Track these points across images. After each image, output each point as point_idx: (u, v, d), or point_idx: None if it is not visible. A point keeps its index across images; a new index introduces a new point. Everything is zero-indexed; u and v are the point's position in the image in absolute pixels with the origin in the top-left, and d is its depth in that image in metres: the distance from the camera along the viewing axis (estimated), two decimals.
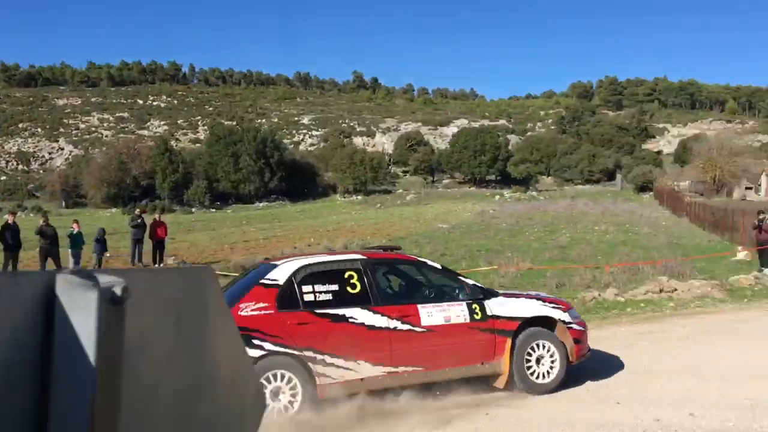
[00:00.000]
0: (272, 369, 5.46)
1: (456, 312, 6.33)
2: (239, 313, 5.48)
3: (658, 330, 9.36)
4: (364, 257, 6.54)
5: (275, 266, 6.17)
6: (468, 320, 6.32)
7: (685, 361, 7.34)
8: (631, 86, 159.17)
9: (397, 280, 7.08)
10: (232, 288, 6.32)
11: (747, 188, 63.83)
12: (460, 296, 6.49)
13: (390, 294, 6.69)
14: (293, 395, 5.52)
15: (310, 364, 5.58)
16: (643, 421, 5.25)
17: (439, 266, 6.94)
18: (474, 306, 6.40)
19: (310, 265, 6.17)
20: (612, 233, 25.55)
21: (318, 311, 5.84)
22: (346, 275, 6.14)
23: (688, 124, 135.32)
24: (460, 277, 6.90)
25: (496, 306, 6.48)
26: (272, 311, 5.68)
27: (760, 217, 17.53)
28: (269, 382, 5.41)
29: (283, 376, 5.51)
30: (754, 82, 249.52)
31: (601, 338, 8.21)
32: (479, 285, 6.98)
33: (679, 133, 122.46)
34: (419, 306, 6.26)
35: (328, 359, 5.65)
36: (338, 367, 5.71)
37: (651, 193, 61.53)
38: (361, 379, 5.82)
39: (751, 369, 6.72)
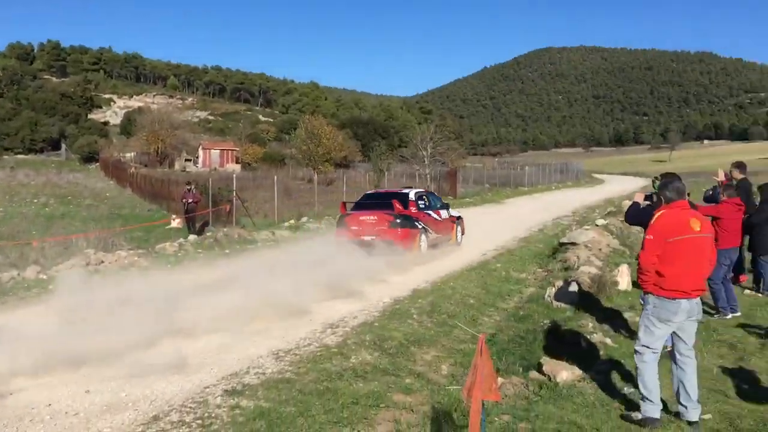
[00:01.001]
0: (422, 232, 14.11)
1: (445, 214, 15.71)
2: (409, 210, 14.08)
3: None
4: (425, 190, 17.46)
5: (404, 192, 15.27)
6: (447, 217, 15.79)
7: None
8: (75, 53, 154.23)
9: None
10: (370, 198, 15.63)
11: (187, 160, 69.67)
12: (446, 208, 16.08)
13: (432, 205, 15.49)
14: (423, 241, 14.05)
15: (427, 232, 14.31)
16: None
17: (437, 195, 18.15)
18: (448, 212, 15.98)
19: (417, 192, 15.54)
20: (52, 206, 25.17)
21: (427, 212, 14.78)
22: (424, 197, 15.47)
23: (133, 96, 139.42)
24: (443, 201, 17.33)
25: (452, 212, 16.35)
26: (424, 211, 14.71)
27: (187, 187, 20.37)
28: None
29: (422, 236, 14.04)
30: (192, 61, 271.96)
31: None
32: (447, 203, 17.07)
33: (125, 105, 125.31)
34: (440, 210, 15.60)
35: (430, 230, 14.47)
36: (430, 233, 14.45)
37: (97, 164, 61.75)
38: (440, 232, 15.07)
39: None
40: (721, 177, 9.12)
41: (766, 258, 9.07)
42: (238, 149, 69.81)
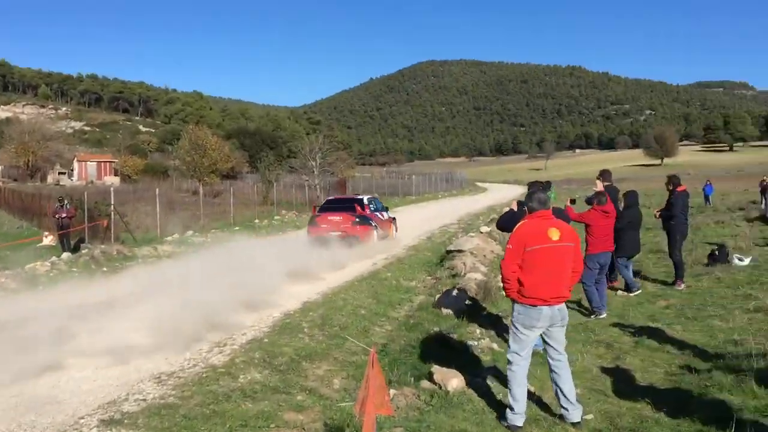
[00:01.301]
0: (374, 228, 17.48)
1: (386, 215, 19.30)
2: (365, 211, 17.56)
3: None
4: (372, 197, 20.52)
5: (360, 198, 18.69)
6: (387, 218, 19.38)
7: None
8: None
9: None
10: (333, 203, 19.15)
11: (61, 173, 65.70)
12: (386, 210, 19.86)
13: (378, 208, 18.99)
14: (375, 235, 17.31)
15: (377, 228, 17.57)
16: None
17: (378, 199, 21.16)
18: (387, 213, 19.65)
19: (369, 197, 19.22)
20: None
21: (376, 213, 18.42)
22: (373, 201, 19.08)
23: (0, 106, 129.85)
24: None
25: (390, 214, 20.22)
26: (373, 212, 18.28)
27: (58, 204, 19.14)
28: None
29: (374, 231, 17.34)
30: (66, 69, 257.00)
31: None
32: (386, 207, 20.93)
33: None
34: (382, 212, 19.16)
35: (379, 227, 17.76)
36: (379, 229, 17.73)
37: None
38: (384, 230, 18.44)
39: None
40: (600, 187, 9.64)
41: (622, 260, 9.74)
42: (116, 161, 66.66)
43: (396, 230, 19.99)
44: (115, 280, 13.09)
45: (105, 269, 14.69)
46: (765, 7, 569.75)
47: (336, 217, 17.26)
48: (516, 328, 4.92)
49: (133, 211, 26.47)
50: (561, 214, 7.19)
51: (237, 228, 24.41)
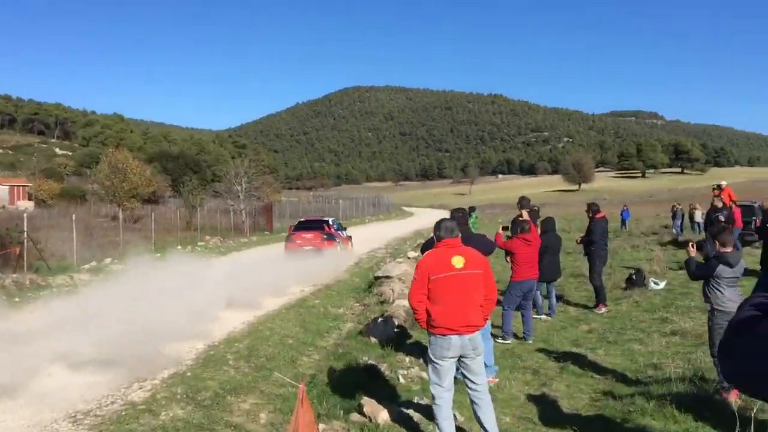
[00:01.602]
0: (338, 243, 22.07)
1: (345, 234, 24.09)
2: (330, 230, 22.28)
3: None
4: (334, 219, 26.79)
5: (325, 220, 24.37)
6: (346, 236, 24.10)
7: None
8: None
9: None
10: (305, 224, 23.64)
11: None
12: (344, 229, 25.03)
13: (339, 228, 23.81)
14: (338, 248, 21.80)
15: (340, 243, 22.26)
16: None
17: (338, 221, 27.30)
18: (345, 232, 24.60)
19: (332, 219, 25.36)
20: None
21: (338, 231, 23.04)
22: (335, 223, 24.17)
23: None
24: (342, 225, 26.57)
25: (348, 232, 25.18)
26: (335, 231, 22.87)
27: None
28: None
29: (338, 246, 21.85)
30: None
31: None
32: (345, 227, 26.56)
33: None
34: (342, 231, 24.08)
35: (340, 243, 22.38)
36: (341, 244, 22.42)
37: None
38: (344, 245, 23.03)
39: None
40: (525, 216, 9.85)
41: (541, 284, 9.98)
42: (30, 185, 63.53)
43: (352, 245, 24.39)
44: (28, 311, 12.36)
45: (17, 299, 13.85)
46: (673, 43, 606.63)
47: (308, 235, 21.65)
48: (431, 358, 4.87)
49: (48, 238, 25.17)
50: (486, 241, 7.29)
51: (158, 255, 23.61)
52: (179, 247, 26.42)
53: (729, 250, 5.78)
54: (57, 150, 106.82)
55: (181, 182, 47.61)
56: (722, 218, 14.28)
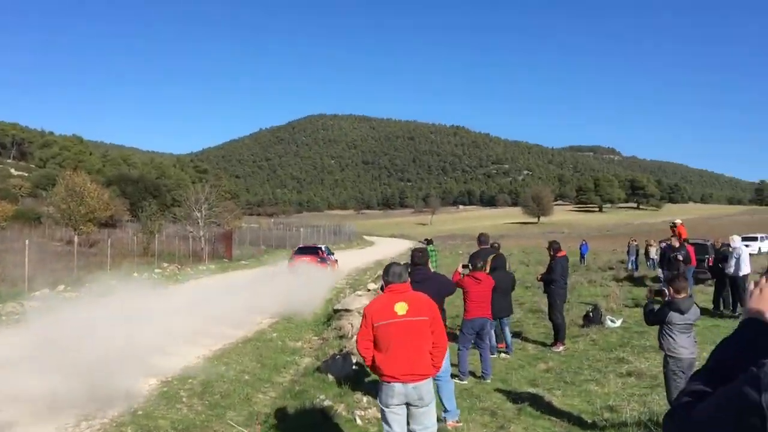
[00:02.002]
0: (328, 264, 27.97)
1: (333, 258, 30.13)
2: (323, 255, 28.38)
3: None
4: (325, 246, 33.18)
5: (319, 246, 30.74)
6: (334, 259, 30.09)
7: None
8: None
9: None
10: (303, 249, 29.83)
11: None
12: (332, 253, 31.59)
13: (329, 252, 30.50)
14: (329, 268, 27.53)
15: (329, 264, 28.18)
16: None
17: (329, 247, 35.02)
18: (333, 255, 30.96)
19: (324, 246, 32.64)
20: None
21: (328, 256, 29.31)
22: (326, 248, 31.21)
23: None
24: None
25: (336, 256, 31.85)
26: (326, 255, 28.93)
27: None
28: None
29: (328, 267, 27.60)
30: None
31: None
32: (333, 251, 33.38)
33: None
34: (332, 255, 30.35)
35: (330, 264, 28.30)
36: (330, 264, 28.30)
37: None
38: (332, 266, 28.80)
39: None
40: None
41: (494, 321, 9.98)
42: None
43: (338, 265, 29.64)
44: None
45: None
46: (631, 81, 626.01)
47: (306, 258, 26.62)
48: (379, 404, 4.81)
49: (0, 262, 24.43)
50: (445, 281, 7.30)
51: (113, 282, 23.02)
52: (135, 273, 25.83)
53: (682, 296, 5.88)
54: (12, 171, 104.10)
55: (140, 207, 46.82)
56: (680, 257, 14.63)
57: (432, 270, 8.22)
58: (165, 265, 30.09)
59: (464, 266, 9.04)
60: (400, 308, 4.64)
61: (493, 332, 10.13)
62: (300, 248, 30.20)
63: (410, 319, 4.63)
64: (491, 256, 10.19)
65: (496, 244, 12.53)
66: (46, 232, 47.26)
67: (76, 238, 35.80)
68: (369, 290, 17.76)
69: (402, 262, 6.44)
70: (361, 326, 4.77)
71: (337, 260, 30.23)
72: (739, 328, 1.58)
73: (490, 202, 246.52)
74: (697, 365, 6.15)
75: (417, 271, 6.70)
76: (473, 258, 9.12)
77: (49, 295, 18.35)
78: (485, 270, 8.95)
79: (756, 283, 1.60)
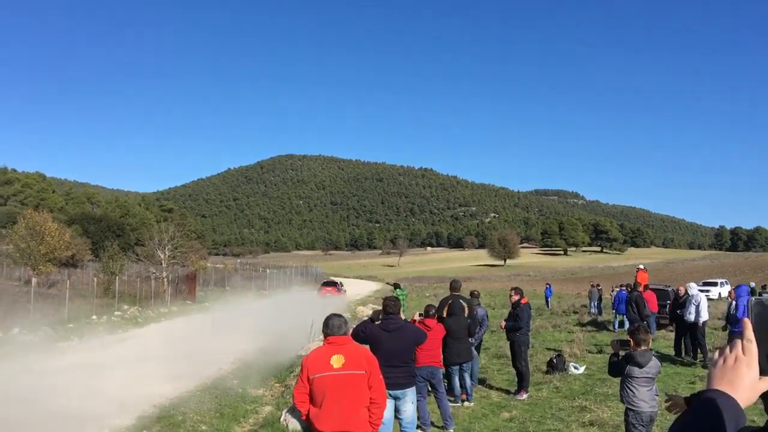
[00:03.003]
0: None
1: (344, 288, 46.25)
2: (339, 287, 44.92)
3: None
4: (339, 281, 51.01)
5: (336, 281, 47.94)
6: (344, 290, 45.74)
7: None
8: None
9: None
10: (326, 283, 46.68)
11: None
12: (342, 285, 47.26)
13: (341, 285, 46.34)
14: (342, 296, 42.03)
15: (342, 293, 43.44)
16: None
17: (341, 281, 51.71)
18: (343, 287, 47.20)
19: (339, 280, 53.45)
20: None
21: (342, 288, 45.37)
22: (341, 282, 48.95)
23: None
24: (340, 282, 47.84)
25: (344, 287, 47.67)
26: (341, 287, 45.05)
27: None
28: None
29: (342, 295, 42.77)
30: None
31: None
32: (342, 282, 49.42)
33: None
34: (343, 287, 46.26)
35: (343, 293, 43.98)
36: (342, 293, 43.82)
37: None
38: (344, 295, 43.39)
39: None
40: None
41: (453, 368, 9.89)
42: None
43: (347, 294, 42.07)
44: None
45: None
46: (593, 126, 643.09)
47: (329, 289, 41.11)
48: None
49: None
50: (416, 330, 7.20)
51: (71, 325, 22.42)
52: (95, 316, 25.21)
53: (642, 348, 5.92)
54: None
55: (103, 246, 45.96)
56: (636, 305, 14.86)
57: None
58: (125, 307, 29.42)
59: (420, 314, 8.99)
60: (336, 361, 4.52)
61: (457, 380, 10.06)
62: (324, 282, 46.54)
63: (346, 373, 4.51)
64: (449, 302, 10.09)
65: (476, 293, 12.51)
66: (4, 271, 46.02)
67: (34, 279, 34.91)
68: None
69: (371, 315, 6.36)
70: (298, 377, 4.63)
71: (346, 290, 45.89)
72: (690, 414, 1.31)
73: (457, 243, 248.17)
74: (658, 418, 6.18)
75: (389, 321, 6.62)
76: (441, 304, 9.08)
77: (3, 339, 17.75)
78: (432, 318, 8.89)
79: (720, 351, 1.36)
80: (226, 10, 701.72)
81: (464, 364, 10.03)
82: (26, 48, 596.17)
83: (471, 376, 10.37)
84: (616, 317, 20.64)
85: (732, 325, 12.88)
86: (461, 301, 10.25)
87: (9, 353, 15.53)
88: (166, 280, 39.27)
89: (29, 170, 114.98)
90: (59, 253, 42.45)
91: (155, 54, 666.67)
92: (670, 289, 21.99)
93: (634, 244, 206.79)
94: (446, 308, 9.79)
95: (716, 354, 1.39)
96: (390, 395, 6.05)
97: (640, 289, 16.97)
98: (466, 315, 9.97)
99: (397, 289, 24.92)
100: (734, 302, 13.11)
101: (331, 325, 4.68)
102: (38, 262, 40.00)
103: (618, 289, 26.89)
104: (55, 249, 41.41)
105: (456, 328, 9.69)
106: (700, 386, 10.80)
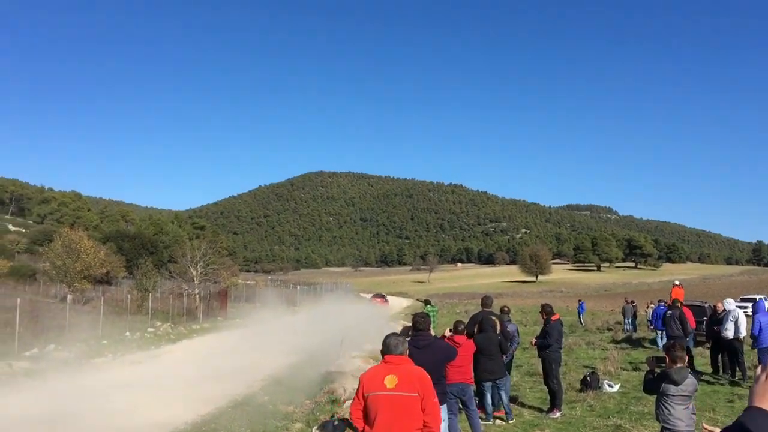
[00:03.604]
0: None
1: (388, 298, 61.33)
2: (385, 297, 58.90)
3: None
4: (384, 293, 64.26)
5: (383, 294, 62.43)
6: (388, 300, 60.36)
7: None
8: None
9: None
10: (376, 294, 60.47)
11: None
12: (385, 296, 62.71)
13: (385, 296, 62.21)
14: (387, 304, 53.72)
15: (388, 303, 56.29)
16: None
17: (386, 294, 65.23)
18: (387, 297, 61.57)
19: (384, 293, 67.08)
20: None
21: (387, 298, 58.55)
22: (385, 294, 63.65)
23: None
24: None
25: (389, 297, 62.87)
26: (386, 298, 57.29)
27: None
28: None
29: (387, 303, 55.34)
30: None
31: None
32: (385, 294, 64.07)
33: None
34: (387, 298, 61.73)
35: (388, 302, 55.61)
36: (388, 303, 55.77)
37: None
38: (388, 304, 54.08)
39: None
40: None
41: (485, 384, 9.75)
42: None
43: (389, 304, 47.95)
44: None
45: None
46: (627, 141, 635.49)
47: (379, 299, 52.34)
48: None
49: None
50: (446, 347, 7.13)
51: (105, 342, 22.75)
52: (128, 333, 25.55)
53: (678, 365, 5.77)
54: (10, 227, 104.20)
55: (136, 264, 46.69)
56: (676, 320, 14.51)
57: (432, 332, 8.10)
58: (158, 323, 29.77)
59: (450, 330, 8.92)
60: (390, 381, 4.52)
61: (489, 397, 9.93)
62: (375, 294, 57.27)
63: (398, 394, 4.49)
64: (480, 318, 10.02)
65: (506, 309, 12.34)
66: (41, 288, 46.98)
67: (69, 296, 35.58)
68: (363, 351, 17.53)
69: (400, 331, 6.35)
70: (355, 393, 4.69)
71: (389, 301, 55.73)
72: None
73: (488, 260, 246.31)
74: None
75: (419, 337, 6.59)
76: (471, 321, 9.00)
77: (39, 356, 18.06)
78: (462, 334, 8.81)
79: (762, 367, 1.38)
80: (260, 33, 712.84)
81: (498, 381, 9.91)
82: (60, 71, 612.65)
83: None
84: (657, 333, 19.97)
85: (754, 342, 12.59)
86: (492, 317, 10.17)
87: (44, 369, 15.82)
88: (198, 296, 39.68)
89: (65, 189, 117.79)
90: (94, 270, 43.21)
91: (184, 77, 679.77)
92: (706, 305, 21.51)
93: (669, 260, 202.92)
94: (477, 325, 9.70)
95: (758, 370, 1.36)
96: None
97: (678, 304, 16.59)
98: (498, 331, 9.87)
99: (428, 306, 24.85)
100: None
101: (388, 344, 4.70)
102: (74, 279, 40.75)
103: (655, 305, 26.33)
104: (90, 266, 42.17)
105: (487, 344, 9.60)
106: (738, 404, 10.51)
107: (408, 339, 6.69)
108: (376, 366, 4.79)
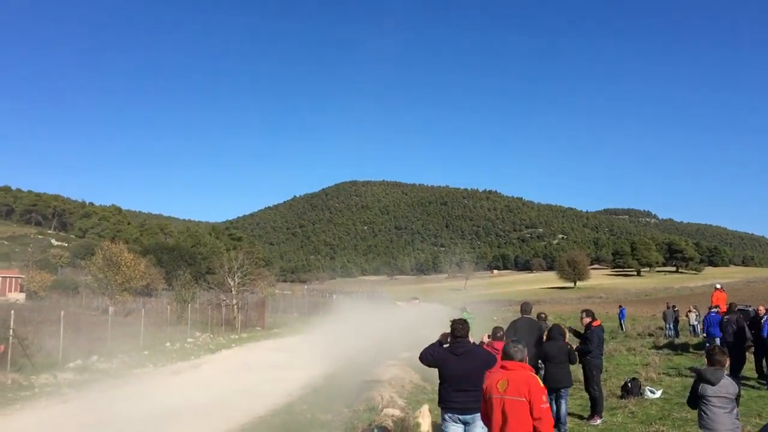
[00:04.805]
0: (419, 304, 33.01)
1: (419, 302, 35.24)
2: (418, 300, 33.60)
3: None
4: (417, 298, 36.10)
5: (417, 297, 35.20)
6: (419, 302, 34.06)
7: None
8: None
9: None
10: (413, 298, 34.95)
11: None
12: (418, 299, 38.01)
13: (419, 300, 35.67)
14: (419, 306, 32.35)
15: (419, 305, 31.92)
16: None
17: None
18: (419, 301, 34.28)
19: (416, 297, 38.74)
20: None
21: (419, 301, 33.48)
22: (419, 297, 37.84)
23: None
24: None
25: (419, 300, 36.16)
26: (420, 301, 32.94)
27: None
28: None
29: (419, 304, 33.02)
30: None
31: None
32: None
33: None
34: (419, 300, 36.00)
35: (419, 304, 31.93)
36: (419, 305, 32.50)
37: None
38: (419, 307, 31.70)
39: None
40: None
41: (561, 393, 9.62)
42: (23, 276, 63.24)
43: (420, 304, 37.19)
44: (7, 414, 11.95)
45: None
46: (663, 147, 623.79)
47: (415, 301, 35.18)
48: None
49: (36, 332, 24.78)
50: (485, 354, 7.07)
51: (146, 352, 23.15)
52: (168, 344, 25.95)
53: (716, 367, 5.60)
54: (53, 241, 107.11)
55: (175, 275, 47.50)
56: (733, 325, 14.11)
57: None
58: (197, 334, 30.19)
59: (489, 336, 8.85)
60: (501, 385, 4.90)
61: (563, 405, 9.75)
62: (411, 298, 47.83)
63: (508, 398, 4.83)
64: (549, 327, 10.06)
65: (543, 315, 12.21)
66: (83, 301, 48.10)
67: (111, 308, 36.30)
68: (400, 359, 17.50)
69: (439, 338, 6.34)
70: None
71: (419, 302, 48.10)
72: None
73: (525, 266, 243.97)
74: None
75: (457, 344, 6.56)
76: (510, 327, 8.93)
77: (83, 367, 18.46)
78: (500, 341, 8.70)
79: None
80: (292, 42, 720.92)
81: (562, 390, 9.73)
82: (99, 92, 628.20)
83: None
84: (716, 341, 19.14)
85: None
86: (541, 324, 10.15)
87: (87, 381, 16.16)
88: (236, 307, 40.13)
89: (106, 203, 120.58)
90: (135, 282, 44.14)
91: (221, 93, 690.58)
92: (750, 308, 20.94)
93: (712, 263, 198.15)
94: (546, 333, 9.76)
95: None
96: (459, 420, 6.15)
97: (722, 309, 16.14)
98: (566, 339, 9.82)
99: (464, 313, 24.69)
100: None
101: (506, 350, 5.13)
102: (115, 291, 41.68)
103: (696, 312, 25.70)
104: (130, 279, 43.08)
105: (557, 352, 9.55)
106: None
107: (446, 346, 6.68)
108: (495, 370, 5.31)
